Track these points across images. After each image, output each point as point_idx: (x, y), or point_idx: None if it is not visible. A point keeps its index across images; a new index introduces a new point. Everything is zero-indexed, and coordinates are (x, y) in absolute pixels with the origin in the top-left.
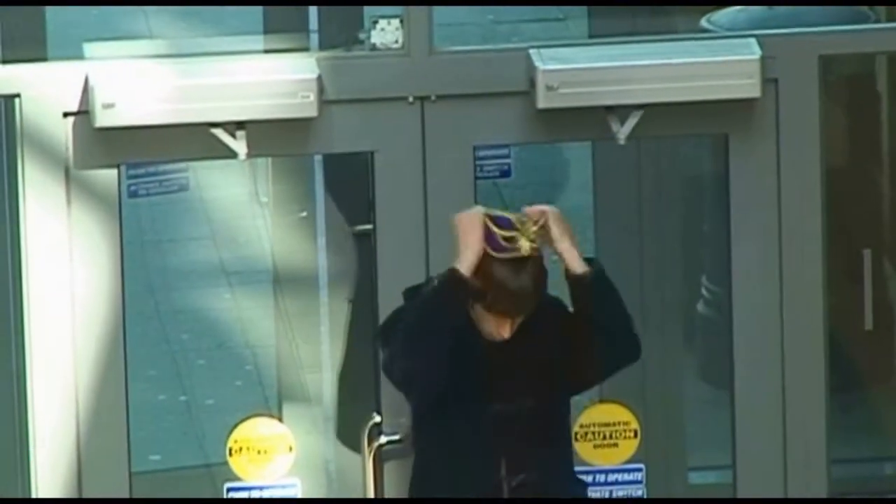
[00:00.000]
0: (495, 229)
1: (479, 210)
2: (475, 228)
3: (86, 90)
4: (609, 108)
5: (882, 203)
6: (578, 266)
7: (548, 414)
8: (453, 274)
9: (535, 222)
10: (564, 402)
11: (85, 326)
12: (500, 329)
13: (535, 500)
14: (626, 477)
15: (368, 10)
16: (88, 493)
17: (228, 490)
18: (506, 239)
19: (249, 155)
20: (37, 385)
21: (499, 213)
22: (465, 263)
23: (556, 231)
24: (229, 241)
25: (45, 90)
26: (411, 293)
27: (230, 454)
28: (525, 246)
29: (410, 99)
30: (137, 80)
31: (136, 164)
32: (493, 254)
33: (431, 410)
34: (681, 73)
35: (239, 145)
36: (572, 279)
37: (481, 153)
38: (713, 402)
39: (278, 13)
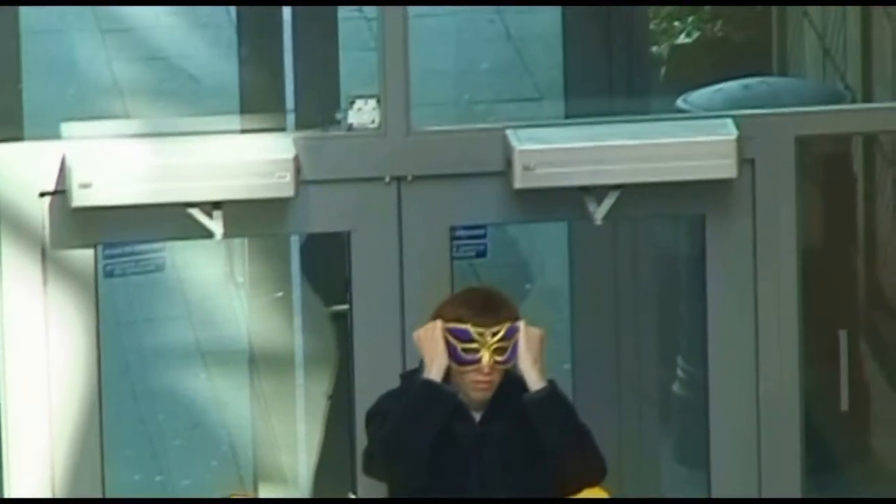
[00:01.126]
0: (455, 342)
1: (436, 324)
2: (437, 341)
3: (62, 170)
4: (585, 189)
5: (858, 283)
6: (532, 385)
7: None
8: (429, 385)
9: (494, 333)
10: (542, 495)
11: (61, 406)
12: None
13: (535, 499)
14: None
15: (345, 90)
16: None
17: None
18: (465, 351)
19: (226, 235)
20: (13, 464)
21: (456, 325)
22: (436, 373)
23: (522, 346)
24: (205, 321)
25: (22, 170)
26: (407, 377)
27: None
28: (486, 358)
29: (387, 179)
30: (114, 159)
31: (113, 244)
32: (456, 367)
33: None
34: (657, 153)
35: (215, 225)
36: (525, 397)
37: (458, 233)
38: (690, 482)
39: (255, 92)
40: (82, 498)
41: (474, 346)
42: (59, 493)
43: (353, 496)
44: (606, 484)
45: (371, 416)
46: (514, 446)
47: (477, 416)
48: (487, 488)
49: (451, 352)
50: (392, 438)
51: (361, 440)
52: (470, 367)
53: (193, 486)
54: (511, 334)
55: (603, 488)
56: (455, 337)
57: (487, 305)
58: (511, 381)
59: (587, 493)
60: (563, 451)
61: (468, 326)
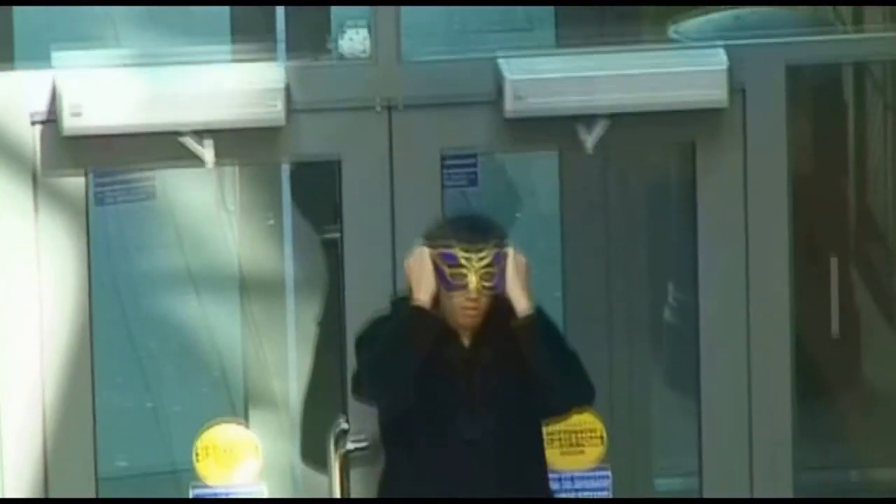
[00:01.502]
0: (442, 267)
1: (424, 250)
2: (425, 266)
3: (53, 97)
4: (576, 118)
5: (848, 211)
6: (520, 311)
7: (513, 436)
8: (415, 311)
9: (482, 258)
10: (531, 423)
11: (52, 333)
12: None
13: (533, 499)
14: (593, 483)
15: (336, 18)
16: (56, 498)
17: (195, 495)
18: (453, 276)
19: (217, 163)
20: (3, 390)
21: (444, 249)
22: (424, 297)
23: (510, 272)
24: (196, 248)
25: (13, 97)
26: (397, 303)
27: (197, 459)
28: (473, 282)
29: (378, 107)
30: (105, 87)
31: (104, 172)
32: (444, 291)
33: (398, 426)
34: (648, 82)
35: (206, 153)
36: (513, 322)
37: (449, 161)
38: (679, 408)
39: (246, 21)
40: (84, 498)
41: (462, 270)
42: (51, 421)
43: (345, 425)
44: (598, 410)
45: (360, 340)
46: (502, 370)
47: (466, 342)
48: (475, 411)
49: (440, 276)
50: (378, 362)
51: (352, 366)
52: (457, 292)
53: (184, 413)
54: (499, 260)
55: (594, 415)
56: (443, 261)
57: (475, 229)
58: (500, 308)
59: (578, 420)
60: (550, 376)
61: (455, 250)
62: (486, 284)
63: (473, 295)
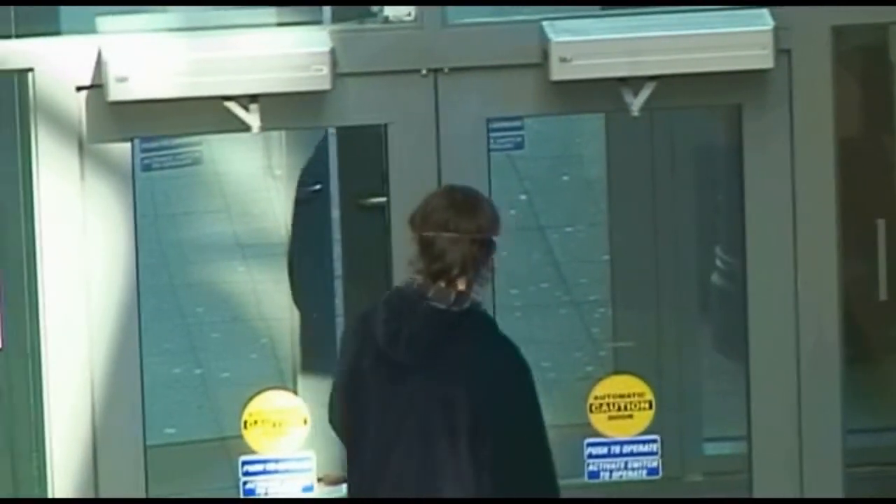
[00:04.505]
0: None
1: None
2: None
3: (99, 64)
4: (622, 80)
5: (895, 172)
6: None
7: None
8: None
9: None
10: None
11: (99, 300)
12: None
13: (534, 499)
14: (641, 448)
15: None
16: (104, 467)
17: (243, 463)
18: None
19: (263, 128)
20: (51, 359)
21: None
22: None
23: None
24: (243, 215)
25: (59, 64)
26: None
27: (245, 427)
28: None
29: (424, 71)
30: (150, 53)
31: (150, 138)
32: None
33: None
34: (694, 44)
35: (252, 118)
36: None
37: (494, 125)
38: (728, 373)
39: None
40: (85, 498)
41: None
42: (98, 388)
43: None
44: (645, 375)
45: None
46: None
47: None
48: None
49: None
50: None
51: None
52: None
53: (232, 379)
54: None
55: (642, 380)
56: None
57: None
58: None
59: (626, 385)
60: None
61: None
62: None
63: None
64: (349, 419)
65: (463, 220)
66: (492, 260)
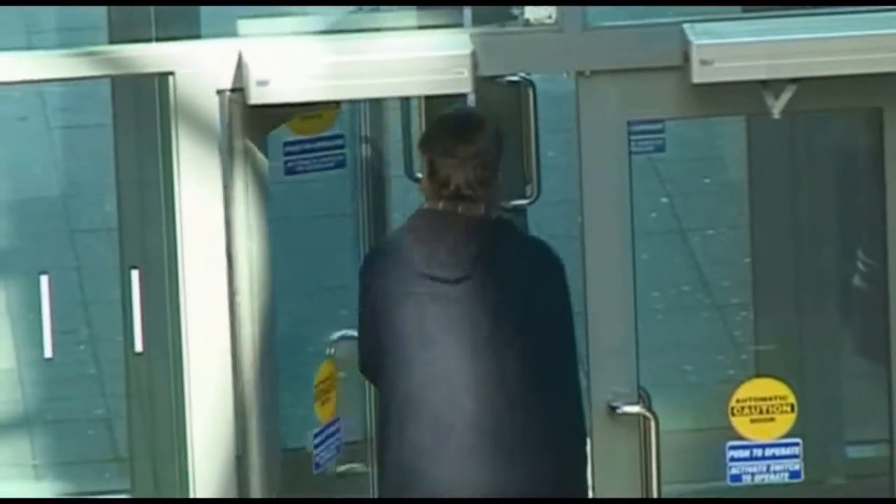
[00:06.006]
0: None
1: None
2: None
3: (240, 67)
4: (763, 83)
5: None
6: None
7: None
8: None
9: None
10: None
11: (242, 304)
12: None
13: (536, 500)
14: (783, 451)
15: None
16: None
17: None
18: None
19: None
20: (193, 361)
21: None
22: None
23: None
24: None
25: (199, 68)
26: None
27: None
28: None
29: (565, 74)
30: (291, 56)
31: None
32: None
33: None
34: (834, 46)
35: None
36: None
37: (635, 128)
38: (871, 376)
39: None
40: (88, 499)
41: None
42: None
43: None
44: (787, 378)
45: None
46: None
47: None
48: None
49: None
50: None
51: None
52: None
53: None
54: None
55: (784, 383)
56: None
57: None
58: None
59: (768, 388)
60: None
61: None
62: None
63: None
64: (395, 351)
65: (461, 144)
66: (500, 177)
